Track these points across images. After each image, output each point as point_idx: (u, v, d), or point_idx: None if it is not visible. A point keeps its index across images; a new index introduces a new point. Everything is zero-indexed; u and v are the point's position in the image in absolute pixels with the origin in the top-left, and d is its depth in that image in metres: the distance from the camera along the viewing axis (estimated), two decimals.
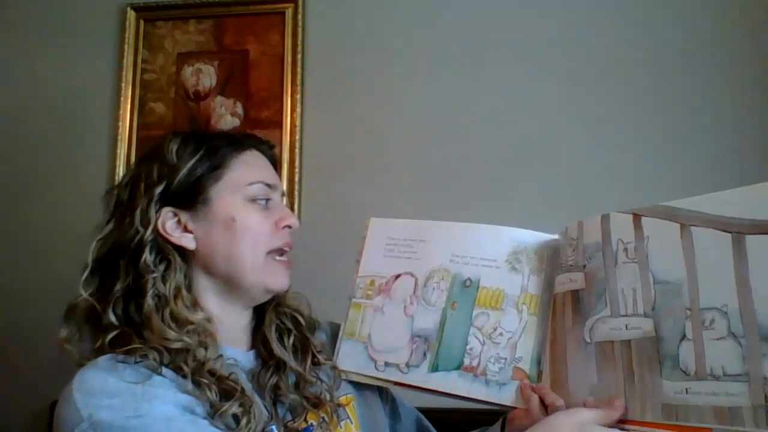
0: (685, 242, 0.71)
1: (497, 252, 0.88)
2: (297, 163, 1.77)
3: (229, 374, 0.75)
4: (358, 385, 0.92)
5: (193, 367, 0.73)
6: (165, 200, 0.81)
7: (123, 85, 1.88)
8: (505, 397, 0.81)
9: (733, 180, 0.70)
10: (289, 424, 0.80)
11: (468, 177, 1.69)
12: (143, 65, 1.90)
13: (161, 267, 0.79)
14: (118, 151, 1.85)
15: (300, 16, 1.84)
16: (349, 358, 0.91)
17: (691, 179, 1.55)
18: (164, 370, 0.72)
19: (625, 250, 0.76)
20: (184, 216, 0.82)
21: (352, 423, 0.88)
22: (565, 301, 0.81)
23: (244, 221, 0.82)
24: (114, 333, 0.76)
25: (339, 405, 0.86)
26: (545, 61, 1.71)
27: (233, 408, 0.71)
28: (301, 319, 0.90)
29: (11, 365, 1.76)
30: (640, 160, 1.64)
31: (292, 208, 1.69)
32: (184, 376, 0.72)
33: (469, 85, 1.74)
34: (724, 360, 0.65)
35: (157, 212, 0.80)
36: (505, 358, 0.83)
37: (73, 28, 1.94)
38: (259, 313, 0.89)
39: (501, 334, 0.84)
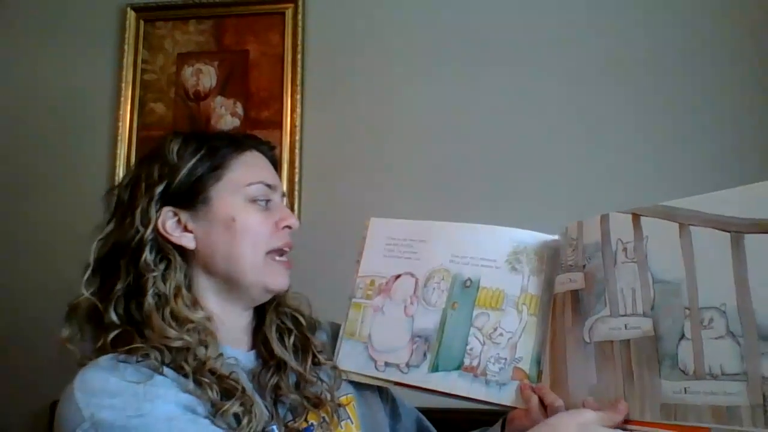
0: (684, 242, 0.71)
1: (497, 252, 0.88)
2: (297, 163, 1.77)
3: (229, 373, 0.75)
4: (358, 385, 0.92)
5: (193, 366, 0.73)
6: (165, 200, 0.82)
7: (123, 85, 1.88)
8: (505, 397, 0.81)
9: (733, 180, 0.70)
10: (289, 424, 0.80)
11: (468, 177, 1.69)
12: (143, 65, 1.90)
13: (161, 266, 0.79)
14: (118, 151, 1.85)
15: (300, 16, 1.84)
16: (350, 358, 0.91)
17: (690, 179, 1.55)
18: (165, 369, 0.72)
19: (625, 249, 0.76)
20: (184, 216, 0.82)
21: (352, 423, 0.88)
22: (565, 301, 0.81)
23: (244, 221, 0.82)
24: (115, 332, 0.76)
25: (339, 405, 0.86)
26: (545, 61, 1.71)
27: (234, 407, 0.72)
28: (301, 319, 0.91)
29: (11, 365, 1.76)
30: (640, 160, 1.64)
31: (292, 209, 1.70)
32: (186, 376, 0.72)
33: (469, 85, 1.74)
34: (722, 359, 0.65)
35: (157, 212, 0.81)
36: (505, 359, 0.83)
37: (73, 28, 1.95)
38: (260, 313, 0.89)
39: (501, 335, 0.84)
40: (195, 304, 0.80)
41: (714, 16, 1.67)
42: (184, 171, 0.82)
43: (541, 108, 1.70)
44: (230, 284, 0.83)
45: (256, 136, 0.94)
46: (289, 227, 0.86)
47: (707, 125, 1.62)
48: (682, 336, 0.69)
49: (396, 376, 0.88)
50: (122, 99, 1.87)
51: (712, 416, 0.64)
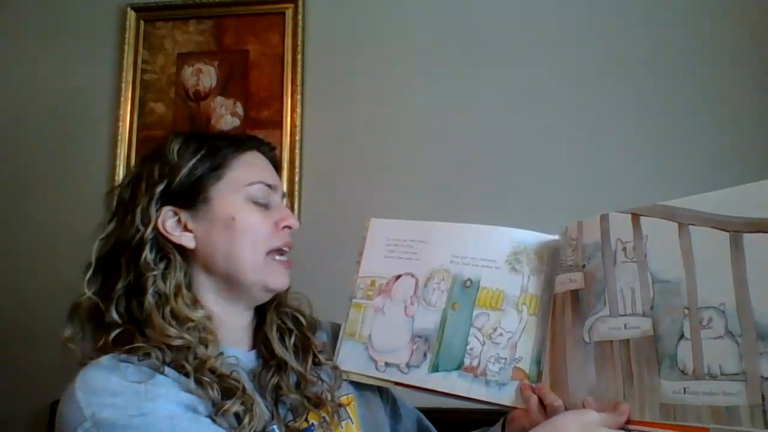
0: (683, 241, 0.71)
1: (497, 252, 0.88)
2: (297, 164, 1.77)
3: (230, 372, 0.75)
4: (358, 386, 0.92)
5: (194, 365, 0.73)
6: (165, 199, 0.82)
7: (123, 85, 1.88)
8: (505, 397, 0.81)
9: (733, 180, 0.70)
10: (290, 424, 0.80)
11: (468, 177, 1.69)
12: (143, 65, 1.90)
13: (161, 265, 0.80)
14: (118, 151, 1.85)
15: (300, 16, 1.84)
16: (350, 359, 0.91)
17: (690, 179, 1.55)
18: (167, 369, 0.73)
19: (624, 249, 0.76)
20: (184, 215, 0.82)
21: (353, 423, 0.88)
22: (565, 301, 0.81)
23: (244, 221, 0.82)
24: (117, 331, 0.76)
25: (340, 405, 0.86)
26: (545, 62, 1.71)
27: (235, 406, 0.72)
28: (302, 319, 0.91)
29: (11, 365, 1.76)
30: (640, 160, 1.64)
31: (292, 209, 1.70)
32: (187, 375, 0.73)
33: (469, 86, 1.74)
34: (721, 359, 0.65)
35: (157, 211, 0.81)
36: (505, 358, 0.83)
37: (73, 28, 1.94)
38: (260, 313, 0.89)
39: (501, 335, 0.84)
40: (195, 303, 0.80)
41: (714, 16, 1.67)
42: (184, 171, 0.82)
43: (541, 108, 1.70)
44: (230, 284, 0.83)
45: (256, 136, 0.94)
46: (288, 227, 0.87)
47: (707, 125, 1.62)
48: (682, 336, 0.69)
49: (396, 377, 0.88)
50: (122, 99, 1.87)
51: (711, 416, 0.64)
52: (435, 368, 0.86)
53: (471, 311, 0.86)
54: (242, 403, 0.73)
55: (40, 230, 1.84)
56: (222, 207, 0.83)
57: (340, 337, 0.94)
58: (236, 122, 1.84)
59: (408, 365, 0.87)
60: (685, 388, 0.67)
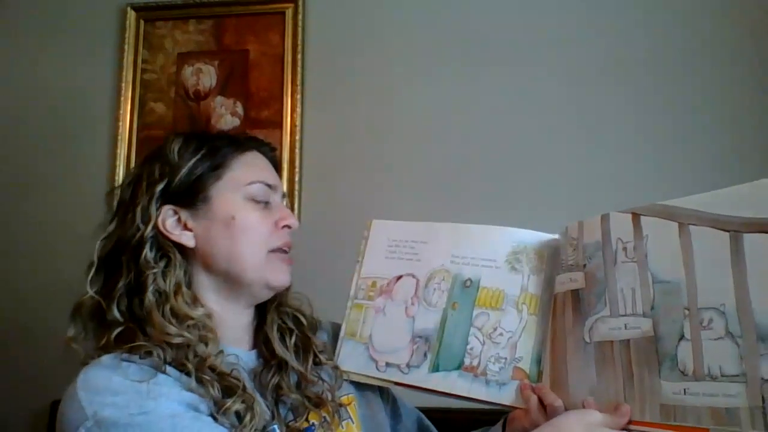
0: (683, 241, 0.71)
1: (497, 252, 0.88)
2: (297, 163, 1.77)
3: (230, 371, 0.76)
4: (359, 386, 0.92)
5: (194, 363, 0.73)
6: (166, 198, 0.83)
7: (123, 85, 1.87)
8: (505, 397, 0.82)
9: (733, 180, 0.70)
10: (290, 423, 0.80)
11: (468, 177, 1.69)
12: (143, 65, 1.90)
13: (162, 264, 0.80)
14: (118, 151, 1.85)
15: (300, 16, 1.84)
16: (350, 359, 0.91)
17: (690, 179, 1.55)
18: (168, 368, 0.73)
19: (625, 249, 0.76)
20: (184, 214, 0.83)
21: (353, 423, 0.88)
22: (566, 300, 0.81)
23: (244, 219, 0.83)
24: (118, 329, 0.77)
25: (340, 405, 0.86)
26: (545, 61, 1.71)
27: (236, 405, 0.72)
28: (302, 318, 0.91)
29: (11, 365, 1.76)
30: (640, 160, 1.64)
31: (292, 209, 1.69)
32: (188, 374, 0.73)
33: (469, 86, 1.74)
34: (721, 360, 0.65)
35: (157, 210, 0.82)
36: (505, 358, 0.83)
37: (73, 28, 1.94)
38: (261, 312, 0.89)
39: (501, 334, 0.84)
40: (195, 301, 0.80)
41: (714, 16, 1.67)
42: (184, 170, 0.83)
43: (541, 108, 1.70)
44: (230, 282, 0.83)
45: (257, 137, 0.94)
46: (288, 227, 0.87)
47: (707, 125, 1.62)
48: (682, 336, 0.69)
49: (396, 377, 0.88)
50: (122, 99, 1.87)
51: (711, 418, 0.64)
52: (435, 368, 0.86)
53: (471, 311, 0.86)
54: (243, 402, 0.73)
55: (40, 230, 1.84)
56: (222, 206, 0.83)
57: (340, 337, 0.94)
58: (236, 122, 1.84)
59: (408, 365, 0.88)
60: (685, 389, 0.67)
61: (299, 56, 1.82)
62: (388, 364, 0.89)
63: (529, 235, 0.88)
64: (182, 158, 0.84)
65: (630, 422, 0.70)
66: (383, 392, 0.97)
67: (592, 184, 1.63)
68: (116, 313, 0.78)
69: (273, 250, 0.85)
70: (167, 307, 0.77)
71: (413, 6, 1.81)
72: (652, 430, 0.68)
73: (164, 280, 0.79)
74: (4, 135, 1.92)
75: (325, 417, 0.84)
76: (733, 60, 1.64)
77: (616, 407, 0.71)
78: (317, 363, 0.88)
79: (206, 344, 0.76)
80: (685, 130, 1.63)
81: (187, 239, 0.82)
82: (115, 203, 0.86)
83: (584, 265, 0.80)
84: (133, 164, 1.82)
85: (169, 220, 0.82)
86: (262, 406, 0.77)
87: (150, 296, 0.77)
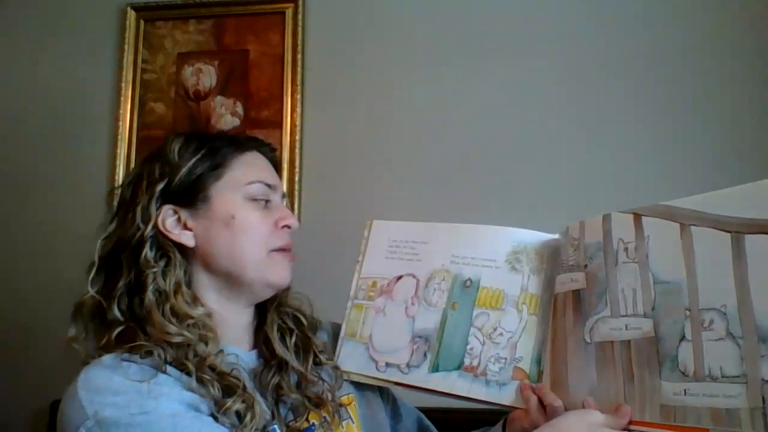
0: (684, 242, 0.71)
1: (497, 252, 0.88)
2: (297, 163, 1.77)
3: (230, 370, 0.76)
4: (359, 386, 0.92)
5: (194, 363, 0.73)
6: (166, 198, 0.83)
7: (123, 85, 1.87)
8: (505, 397, 0.82)
9: (733, 180, 0.70)
10: (291, 423, 0.80)
11: (468, 177, 1.69)
12: (143, 65, 1.90)
13: (161, 263, 0.80)
14: (118, 151, 1.84)
15: (300, 16, 1.84)
16: (350, 359, 0.91)
17: (690, 179, 1.55)
18: (168, 368, 0.73)
19: (626, 249, 0.76)
20: (184, 214, 0.83)
21: (353, 423, 0.88)
22: (566, 300, 0.81)
23: (244, 219, 0.83)
24: (119, 329, 0.77)
25: (341, 405, 0.86)
26: (546, 57, 1.71)
27: (236, 405, 0.72)
28: (303, 318, 0.91)
29: (11, 364, 1.76)
30: (640, 159, 1.64)
31: (292, 209, 1.70)
32: (188, 374, 0.73)
33: (469, 87, 1.74)
34: (722, 361, 0.65)
35: (157, 209, 0.82)
36: (505, 358, 0.83)
37: (73, 28, 1.94)
38: (261, 312, 0.89)
39: (501, 334, 0.84)
40: (195, 300, 0.80)
41: (714, 10, 1.66)
42: (184, 170, 0.83)
43: (541, 104, 1.70)
44: (231, 281, 0.83)
45: (257, 137, 0.94)
46: (288, 227, 0.87)
47: (708, 122, 1.62)
48: (683, 337, 0.69)
49: (396, 377, 0.88)
50: (122, 99, 1.87)
51: (711, 418, 0.64)
52: (435, 368, 0.86)
53: (471, 311, 0.86)
54: (243, 401, 0.73)
55: (40, 230, 1.84)
56: (221, 205, 0.83)
57: (340, 337, 0.94)
58: (236, 122, 1.83)
59: (408, 365, 0.88)
60: (685, 390, 0.67)
61: (299, 56, 1.82)
62: (388, 364, 0.89)
63: (529, 235, 0.88)
64: (182, 158, 0.84)
65: (630, 422, 0.70)
66: (383, 392, 0.97)
67: (592, 183, 1.63)
68: (117, 313, 0.78)
69: (274, 250, 0.85)
70: (167, 307, 0.77)
71: (413, 6, 1.81)
72: (652, 431, 0.68)
73: (164, 280, 0.79)
74: (4, 135, 1.92)
75: (325, 417, 0.84)
76: (734, 55, 1.63)
77: (616, 408, 0.71)
78: (317, 363, 0.88)
79: (206, 343, 0.76)
80: (685, 128, 1.63)
81: (187, 239, 0.82)
82: (115, 203, 0.87)
83: (585, 266, 0.80)
84: (133, 164, 1.82)
85: (168, 220, 0.82)
86: (262, 406, 0.77)
87: (150, 295, 0.77)
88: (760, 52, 1.63)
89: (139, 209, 0.81)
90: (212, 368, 0.74)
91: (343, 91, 1.81)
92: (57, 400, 0.72)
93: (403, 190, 1.71)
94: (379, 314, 0.92)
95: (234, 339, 0.84)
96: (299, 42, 1.82)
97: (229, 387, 0.74)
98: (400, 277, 0.93)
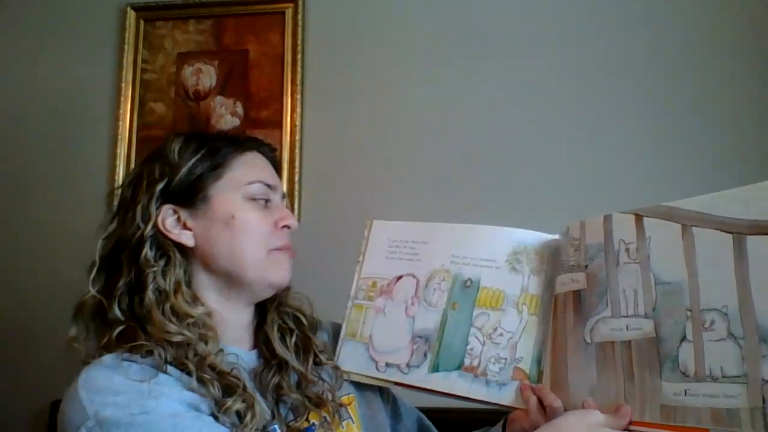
0: (686, 243, 0.71)
1: (497, 252, 0.88)
2: (297, 163, 1.77)
3: (230, 370, 0.76)
4: (359, 386, 0.92)
5: (194, 362, 0.73)
6: (165, 197, 0.83)
7: (123, 85, 1.87)
8: (505, 397, 0.82)
9: (734, 180, 0.70)
10: (291, 423, 0.80)
11: (468, 177, 1.69)
12: (143, 65, 1.90)
13: (161, 262, 0.80)
14: (118, 151, 1.84)
15: (300, 16, 1.84)
16: (351, 359, 0.91)
17: (690, 179, 1.55)
18: (169, 368, 0.73)
19: (627, 250, 0.76)
20: (183, 213, 0.83)
21: (353, 423, 0.88)
22: (567, 301, 0.81)
23: (243, 219, 0.83)
24: (120, 328, 0.77)
25: (341, 405, 0.86)
26: (546, 57, 1.71)
27: (236, 404, 0.72)
28: (303, 318, 0.91)
29: (11, 365, 1.76)
30: (640, 159, 1.64)
31: (292, 209, 1.70)
32: (189, 374, 0.73)
33: (469, 88, 1.74)
34: (723, 361, 0.65)
35: (157, 209, 0.82)
36: (506, 359, 0.83)
37: (73, 28, 1.94)
38: (261, 312, 0.89)
39: (501, 335, 0.84)
40: (195, 299, 0.81)
41: (714, 10, 1.66)
42: (184, 169, 0.83)
43: (541, 104, 1.70)
44: (230, 281, 0.83)
45: (257, 137, 0.94)
46: (288, 227, 0.87)
47: (708, 122, 1.62)
48: (684, 338, 0.69)
49: (396, 377, 0.88)
50: (122, 99, 1.87)
51: (711, 418, 0.64)
52: (435, 368, 0.86)
53: (471, 311, 0.86)
54: (243, 401, 0.73)
55: (40, 230, 1.84)
56: (221, 205, 0.83)
57: (341, 337, 0.94)
58: (236, 122, 1.83)
59: (408, 365, 0.88)
60: (685, 390, 0.67)
61: (299, 56, 1.82)
62: (388, 364, 0.89)
63: (529, 235, 0.88)
64: (182, 158, 0.84)
65: (630, 423, 0.70)
66: (383, 392, 0.97)
67: (592, 183, 1.63)
68: (117, 312, 0.78)
69: (273, 250, 0.85)
70: (167, 306, 0.77)
71: (414, 6, 1.81)
72: (653, 431, 0.68)
73: (164, 279, 0.79)
74: (4, 135, 1.92)
75: (325, 417, 0.84)
76: (734, 55, 1.63)
77: (616, 408, 0.71)
78: (317, 363, 0.88)
79: (206, 343, 0.76)
80: (685, 129, 1.63)
81: (187, 238, 0.82)
82: (115, 203, 0.87)
83: (586, 266, 0.80)
84: (133, 164, 1.82)
85: (168, 220, 0.82)
86: (262, 406, 0.77)
87: (150, 294, 0.77)
88: (760, 52, 1.63)
89: (139, 209, 0.82)
90: (212, 367, 0.74)
91: (343, 91, 1.81)
92: (57, 400, 0.72)
93: (403, 190, 1.71)
94: (379, 314, 0.92)
95: (234, 339, 0.84)
96: (299, 42, 1.82)
97: (229, 386, 0.74)
98: (400, 277, 0.93)
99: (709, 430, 0.64)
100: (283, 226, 0.86)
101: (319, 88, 1.81)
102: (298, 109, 1.80)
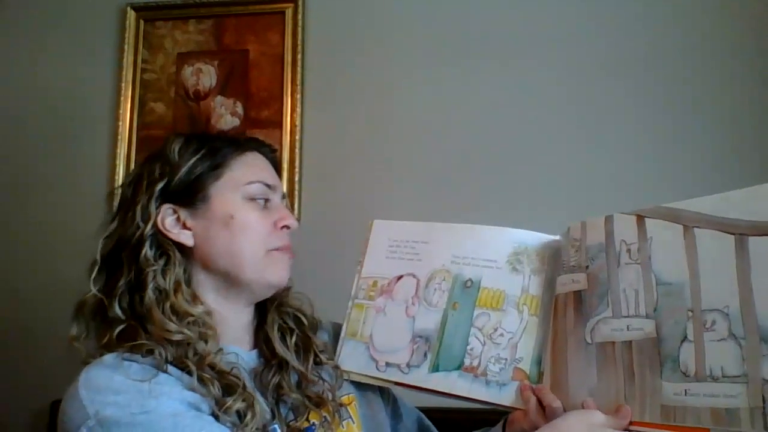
0: (688, 244, 0.71)
1: (498, 253, 0.88)
2: (297, 163, 1.77)
3: (230, 369, 0.76)
4: (359, 385, 0.92)
5: (195, 362, 0.73)
6: (165, 197, 0.83)
7: (123, 85, 1.87)
8: (505, 397, 0.82)
9: (734, 180, 0.70)
10: (291, 423, 0.81)
11: (468, 177, 1.69)
12: (143, 65, 1.90)
13: (161, 262, 0.81)
14: (118, 151, 1.84)
15: (300, 16, 1.84)
16: (351, 359, 0.91)
17: (691, 179, 1.55)
18: (169, 367, 0.73)
19: (628, 251, 0.76)
20: (183, 213, 0.83)
21: (353, 423, 0.88)
22: (567, 301, 0.81)
23: (243, 219, 0.83)
24: (120, 327, 0.77)
25: (341, 405, 0.86)
26: (546, 57, 1.71)
27: (237, 403, 0.72)
28: (303, 318, 0.91)
29: (11, 365, 1.76)
30: (640, 159, 1.63)
31: (292, 209, 1.70)
32: (189, 373, 0.73)
33: (469, 88, 1.74)
34: (723, 361, 0.65)
35: (157, 209, 0.82)
36: (506, 359, 0.83)
37: (73, 28, 1.94)
38: (261, 312, 0.90)
39: (501, 335, 0.84)
40: (195, 299, 0.81)
41: (714, 10, 1.66)
42: (184, 169, 0.83)
43: (541, 104, 1.70)
44: (230, 281, 0.84)
45: (257, 138, 0.95)
46: (287, 227, 0.87)
47: (708, 122, 1.62)
48: (684, 338, 0.69)
49: (397, 377, 0.88)
50: (122, 99, 1.87)
51: (711, 418, 0.64)
52: (435, 368, 0.86)
53: (472, 311, 0.86)
54: (243, 401, 0.73)
55: (40, 230, 1.84)
56: (221, 205, 0.83)
57: (341, 337, 0.94)
58: (236, 122, 1.83)
59: (408, 365, 0.88)
60: (686, 390, 0.67)
61: (299, 56, 1.82)
62: (388, 364, 0.89)
63: (529, 235, 0.88)
64: (182, 158, 0.84)
65: (630, 423, 0.70)
66: (384, 392, 0.97)
67: (593, 184, 1.63)
68: (118, 311, 0.78)
69: (273, 251, 0.85)
70: (167, 305, 0.77)
71: (414, 6, 1.81)
72: (653, 431, 0.68)
73: (164, 278, 0.79)
74: (4, 135, 1.91)
75: (325, 417, 0.84)
76: (734, 55, 1.63)
77: (617, 408, 0.71)
78: (318, 363, 0.88)
79: (206, 342, 0.76)
80: (685, 129, 1.63)
81: (186, 238, 0.82)
82: (116, 203, 0.87)
83: (587, 266, 0.80)
84: (133, 164, 1.82)
85: (168, 219, 0.82)
86: (262, 405, 0.77)
87: (150, 294, 0.77)
88: (760, 52, 1.63)
89: (139, 208, 0.82)
90: (212, 367, 0.74)
91: (343, 91, 1.80)
92: (57, 400, 0.72)
93: (403, 190, 1.71)
94: (380, 314, 0.92)
95: (234, 338, 0.84)
96: (299, 42, 1.82)
97: (229, 386, 0.74)
98: (400, 277, 0.93)
99: (709, 430, 0.64)
100: (283, 227, 0.86)
101: (319, 88, 1.81)
102: (298, 109, 1.79)
